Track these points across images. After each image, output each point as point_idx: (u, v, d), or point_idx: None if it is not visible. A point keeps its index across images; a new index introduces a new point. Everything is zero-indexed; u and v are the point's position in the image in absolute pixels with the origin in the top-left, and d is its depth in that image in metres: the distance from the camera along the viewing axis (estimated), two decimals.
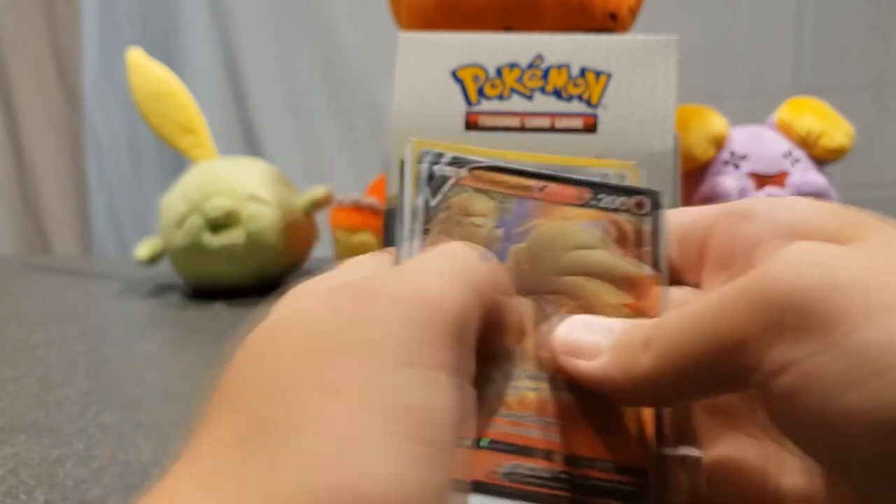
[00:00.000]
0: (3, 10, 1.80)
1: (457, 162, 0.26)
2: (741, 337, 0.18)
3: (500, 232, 0.25)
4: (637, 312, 0.24)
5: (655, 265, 0.25)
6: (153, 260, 0.80)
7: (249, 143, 1.73)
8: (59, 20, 1.82)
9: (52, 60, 1.84)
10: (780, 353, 0.18)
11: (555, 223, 0.25)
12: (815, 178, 0.76)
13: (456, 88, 0.55)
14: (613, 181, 0.27)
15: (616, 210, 0.26)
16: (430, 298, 0.19)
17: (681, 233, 0.25)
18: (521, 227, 0.25)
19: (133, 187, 1.81)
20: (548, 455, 0.23)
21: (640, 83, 0.53)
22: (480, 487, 0.22)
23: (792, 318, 0.17)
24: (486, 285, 0.21)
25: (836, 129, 0.78)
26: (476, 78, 0.55)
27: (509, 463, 0.22)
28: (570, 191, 0.26)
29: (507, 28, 0.64)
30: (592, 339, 0.22)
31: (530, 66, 0.55)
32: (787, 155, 0.77)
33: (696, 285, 0.25)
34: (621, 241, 0.25)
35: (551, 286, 0.25)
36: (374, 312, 0.19)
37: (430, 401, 0.18)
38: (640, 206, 0.26)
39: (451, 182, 0.25)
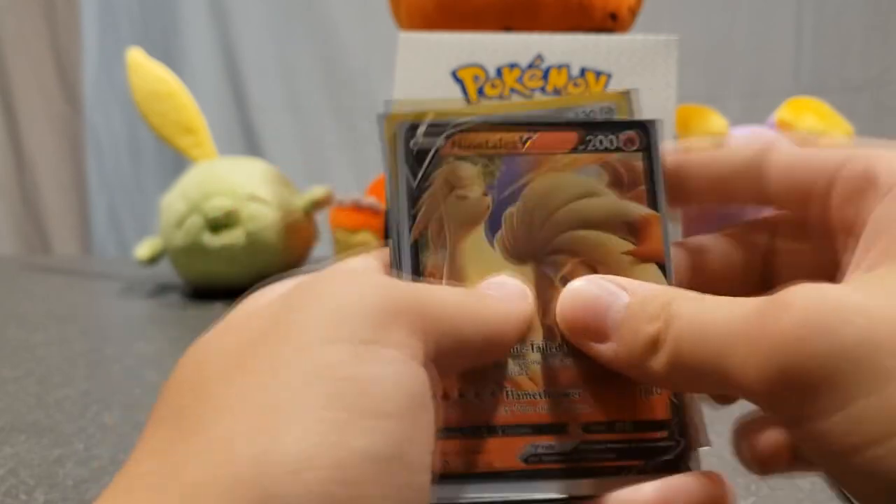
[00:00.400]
0: (3, 10, 1.80)
1: (434, 129, 0.24)
2: (748, 383, 0.18)
3: (488, 199, 0.24)
4: (643, 258, 0.23)
5: (653, 204, 0.24)
6: (153, 260, 0.80)
7: (249, 143, 1.73)
8: (59, 20, 1.82)
9: (52, 60, 1.84)
10: (785, 409, 0.18)
11: (546, 177, 0.24)
12: None
13: (456, 88, 0.55)
14: (601, 116, 0.25)
15: (607, 150, 0.24)
16: (366, 282, 0.19)
17: (796, 166, 0.23)
18: (511, 187, 0.24)
19: (133, 187, 1.81)
20: (564, 428, 0.22)
21: (640, 83, 0.53)
22: (501, 476, 0.21)
23: (799, 382, 0.17)
24: (464, 322, 0.21)
25: (836, 129, 0.78)
26: (476, 78, 0.55)
27: (526, 445, 0.22)
28: (557, 137, 0.24)
29: (507, 28, 0.64)
30: (598, 317, 0.22)
31: (530, 66, 0.55)
32: None
33: (800, 222, 0.24)
34: (616, 183, 0.24)
35: (550, 246, 0.24)
36: (303, 300, 0.19)
37: (355, 371, 0.17)
38: (630, 141, 0.24)
39: (430, 155, 0.24)
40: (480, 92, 0.55)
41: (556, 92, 0.54)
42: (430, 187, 0.24)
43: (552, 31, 0.61)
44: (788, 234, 0.26)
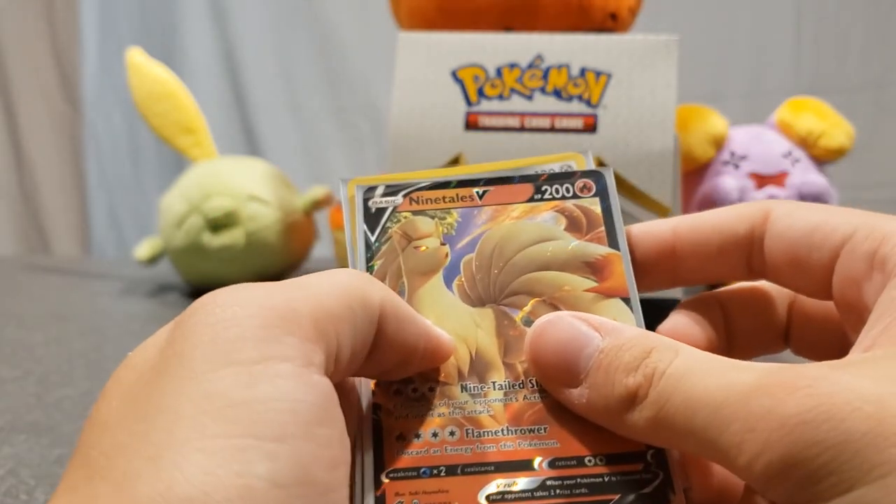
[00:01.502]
0: (2, 10, 1.80)
1: (392, 190, 0.25)
2: (743, 463, 0.18)
3: (445, 248, 0.24)
4: (606, 294, 0.23)
5: (614, 245, 0.24)
6: (153, 260, 0.80)
7: (249, 143, 1.73)
8: (59, 20, 1.82)
9: (52, 60, 1.84)
10: (781, 492, 0.17)
11: (502, 225, 0.25)
12: (816, 178, 0.76)
13: (456, 88, 0.55)
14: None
15: (563, 198, 0.25)
16: (248, 298, 0.19)
17: (804, 240, 0.23)
18: (469, 237, 0.25)
19: (133, 187, 1.81)
20: (529, 465, 0.21)
21: (640, 83, 0.53)
22: None
23: (801, 468, 0.17)
24: (357, 296, 0.20)
25: (836, 129, 0.78)
26: (476, 78, 0.55)
27: (490, 484, 0.21)
28: (511, 190, 0.25)
29: (507, 28, 0.64)
30: (569, 361, 0.21)
31: (530, 66, 0.55)
32: (788, 155, 0.77)
33: (809, 292, 0.23)
34: (574, 227, 0.25)
35: (509, 288, 0.24)
36: (188, 327, 0.18)
37: (248, 394, 0.17)
38: (585, 188, 0.25)
39: (388, 213, 0.25)
40: (480, 92, 0.55)
41: (557, 92, 0.54)
42: (388, 241, 0.24)
43: (552, 31, 0.61)
44: (745, 305, 0.26)
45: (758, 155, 0.77)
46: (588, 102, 0.53)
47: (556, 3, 0.64)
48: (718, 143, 0.77)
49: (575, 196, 0.25)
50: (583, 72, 0.54)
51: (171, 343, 0.18)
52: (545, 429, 0.22)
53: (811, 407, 0.17)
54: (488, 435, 0.22)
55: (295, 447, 0.17)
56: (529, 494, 0.21)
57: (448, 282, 0.24)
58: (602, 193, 0.25)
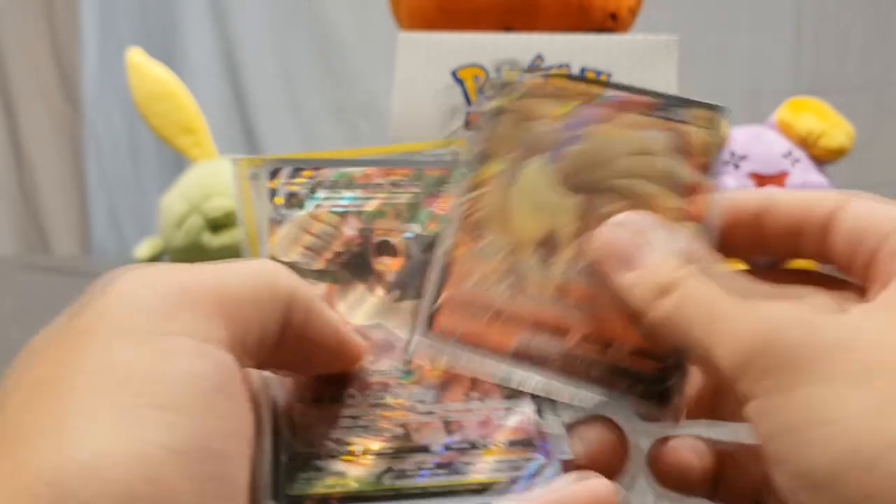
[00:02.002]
0: (3, 10, 1.80)
1: (505, 88, 0.27)
2: (723, 354, 0.21)
3: (559, 131, 0.26)
4: (689, 217, 0.25)
5: (710, 175, 0.26)
6: (153, 260, 0.80)
7: (249, 143, 1.73)
8: (59, 20, 1.82)
9: (52, 60, 1.83)
10: (745, 381, 0.20)
11: (617, 129, 0.26)
12: (816, 178, 0.76)
13: (456, 88, 0.55)
14: (447, 158, 0.27)
15: (682, 121, 0.26)
16: (154, 275, 0.19)
17: (857, 230, 0.24)
18: (580, 129, 0.26)
19: (133, 187, 1.81)
20: (561, 332, 0.24)
21: (640, 83, 0.53)
22: (493, 354, 0.23)
23: (762, 363, 0.20)
24: (265, 281, 0.20)
25: (836, 129, 0.78)
26: (476, 78, 0.55)
27: (522, 336, 0.24)
28: (633, 99, 0.27)
29: (507, 28, 0.64)
30: (634, 246, 0.23)
31: (530, 66, 0.55)
32: (787, 155, 0.77)
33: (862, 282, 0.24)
34: (678, 149, 0.26)
35: (605, 185, 0.26)
36: (92, 300, 0.19)
37: (146, 365, 0.17)
38: (700, 119, 0.26)
39: (516, 88, 0.27)
40: (480, 92, 0.55)
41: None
42: (511, 113, 0.26)
43: (552, 31, 0.61)
44: None
45: (758, 155, 0.77)
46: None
47: (556, 3, 0.64)
48: None
49: (694, 123, 0.27)
50: (583, 71, 0.54)
51: (70, 320, 0.19)
52: (586, 309, 0.24)
53: (790, 319, 0.20)
54: (535, 300, 0.24)
55: (192, 417, 0.17)
56: (553, 355, 0.24)
57: (550, 163, 0.26)
58: (713, 128, 0.26)
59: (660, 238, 0.23)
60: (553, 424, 0.23)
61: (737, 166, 0.76)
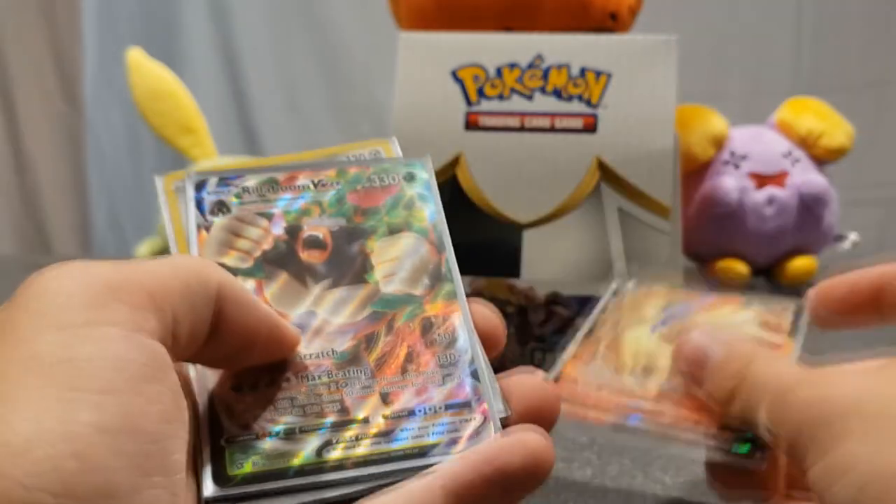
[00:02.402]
0: (2, 10, 1.80)
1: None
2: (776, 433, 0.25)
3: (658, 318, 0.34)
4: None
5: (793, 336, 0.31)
6: None
7: (249, 143, 1.73)
8: (59, 20, 1.82)
9: (52, 60, 1.83)
10: (796, 456, 0.24)
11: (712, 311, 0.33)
12: (816, 178, 0.76)
13: (456, 88, 0.55)
14: (367, 158, 0.28)
15: (769, 311, 0.33)
16: (83, 269, 0.19)
17: None
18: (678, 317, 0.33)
19: (133, 187, 1.81)
20: (658, 415, 0.28)
21: (640, 83, 0.53)
22: (614, 427, 0.28)
23: (803, 437, 0.23)
24: (194, 273, 0.21)
25: (836, 129, 0.78)
26: (476, 78, 0.55)
27: (632, 414, 0.28)
28: (732, 299, 0.34)
29: (507, 28, 0.64)
30: (697, 362, 0.28)
31: (530, 66, 0.55)
32: (788, 155, 0.77)
33: None
34: (770, 326, 0.32)
35: None
36: (22, 296, 0.19)
37: (70, 353, 0.17)
38: (783, 308, 0.32)
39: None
40: (480, 92, 0.55)
41: (557, 91, 0.54)
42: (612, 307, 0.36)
43: (552, 31, 0.61)
44: None
45: (758, 155, 0.77)
46: (588, 102, 0.53)
47: (556, 2, 0.64)
48: (718, 143, 0.77)
49: (772, 310, 0.33)
50: (583, 71, 0.54)
51: (6, 310, 0.19)
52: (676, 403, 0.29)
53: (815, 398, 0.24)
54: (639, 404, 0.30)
55: (121, 399, 0.17)
56: (652, 428, 0.29)
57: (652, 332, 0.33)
58: (798, 317, 0.32)
59: (713, 350, 0.28)
60: (490, 384, 0.24)
61: (737, 166, 0.76)
